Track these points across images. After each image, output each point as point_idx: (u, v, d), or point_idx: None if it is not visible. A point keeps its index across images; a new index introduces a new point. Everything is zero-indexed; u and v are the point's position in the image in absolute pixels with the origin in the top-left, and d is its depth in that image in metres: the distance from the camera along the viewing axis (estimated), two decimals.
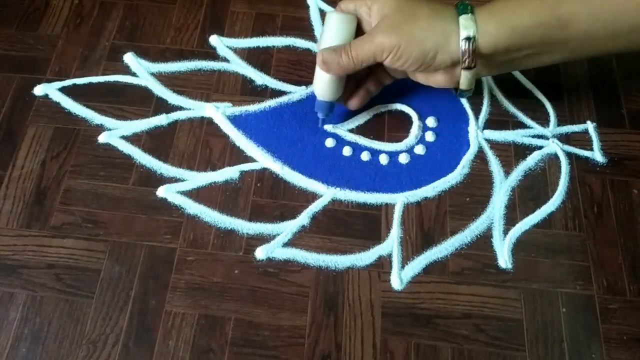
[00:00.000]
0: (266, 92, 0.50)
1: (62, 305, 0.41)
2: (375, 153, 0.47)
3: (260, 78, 0.51)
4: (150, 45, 0.53)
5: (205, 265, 0.42)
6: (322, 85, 0.44)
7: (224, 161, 0.47)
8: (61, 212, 0.44)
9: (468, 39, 0.38)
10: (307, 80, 0.51)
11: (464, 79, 0.40)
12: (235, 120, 0.48)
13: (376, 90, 0.47)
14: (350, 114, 0.49)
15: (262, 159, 0.47)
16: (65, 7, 0.55)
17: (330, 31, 0.42)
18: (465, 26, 0.38)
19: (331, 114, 0.46)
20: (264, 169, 0.46)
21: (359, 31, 0.43)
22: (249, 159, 0.47)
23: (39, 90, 0.50)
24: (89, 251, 0.43)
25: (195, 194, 0.45)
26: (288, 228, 0.43)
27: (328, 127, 0.48)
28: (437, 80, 0.42)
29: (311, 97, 0.49)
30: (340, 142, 0.47)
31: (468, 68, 0.39)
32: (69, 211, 0.44)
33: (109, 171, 0.46)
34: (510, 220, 0.44)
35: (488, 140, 0.48)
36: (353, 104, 0.46)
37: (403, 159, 0.47)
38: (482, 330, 0.40)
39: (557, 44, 0.39)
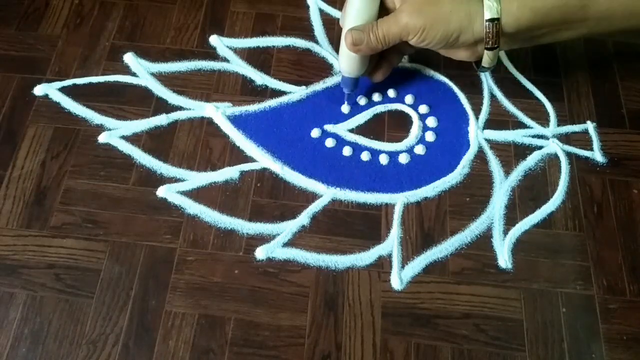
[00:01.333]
0: (266, 92, 0.50)
1: (62, 305, 0.41)
2: (375, 153, 0.47)
3: (260, 78, 0.51)
4: (150, 45, 0.53)
5: (205, 265, 0.42)
6: (349, 62, 0.44)
7: (224, 161, 0.47)
8: (61, 212, 0.44)
9: (492, 20, 0.39)
10: (307, 80, 0.51)
11: (487, 57, 0.41)
12: (235, 120, 0.48)
13: (398, 62, 0.48)
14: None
15: (262, 159, 0.47)
16: (65, 7, 0.55)
17: (355, 9, 0.42)
18: (489, 7, 0.38)
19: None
20: (264, 169, 0.46)
21: (382, 8, 0.43)
22: (249, 159, 0.47)
23: (39, 90, 0.50)
24: (89, 251, 0.43)
25: (195, 194, 0.45)
26: (288, 228, 0.43)
27: (328, 127, 0.48)
28: (460, 55, 0.43)
29: (311, 97, 0.49)
30: (340, 142, 0.47)
31: (492, 48, 0.40)
32: (69, 211, 0.44)
33: (109, 171, 0.46)
34: (510, 220, 0.44)
35: (488, 140, 0.48)
36: (378, 77, 0.47)
37: (403, 159, 0.47)
38: (482, 330, 0.40)
39: (577, 22, 0.39)
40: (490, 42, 0.40)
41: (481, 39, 0.40)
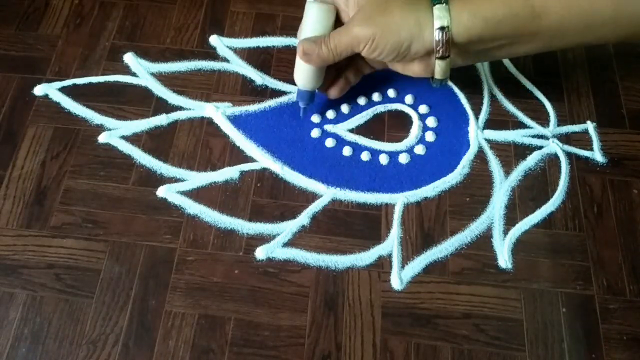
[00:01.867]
0: (266, 92, 0.50)
1: (62, 305, 0.41)
2: (375, 153, 0.47)
3: (260, 78, 0.51)
4: (150, 45, 0.53)
5: (205, 265, 0.42)
6: (303, 74, 0.44)
7: (224, 161, 0.47)
8: (61, 212, 0.44)
9: (442, 28, 0.38)
10: None
11: (439, 68, 0.41)
12: (235, 120, 0.48)
13: (355, 80, 0.47)
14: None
15: (262, 159, 0.47)
16: (65, 7, 0.55)
17: (310, 22, 0.43)
18: (439, 16, 0.38)
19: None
20: (264, 169, 0.46)
21: (338, 22, 0.43)
22: (249, 159, 0.47)
23: (39, 90, 0.50)
24: (89, 251, 0.43)
25: (195, 194, 0.45)
26: (288, 228, 0.43)
27: (328, 127, 0.48)
28: (414, 69, 0.42)
29: None
30: (340, 142, 0.47)
31: (442, 58, 0.40)
32: (69, 211, 0.44)
33: (109, 171, 0.46)
34: (510, 220, 0.44)
35: (488, 140, 0.48)
36: (333, 93, 0.47)
37: (403, 159, 0.47)
38: (482, 330, 0.40)
39: (530, 35, 0.39)
40: (441, 51, 0.39)
41: (432, 49, 0.39)
